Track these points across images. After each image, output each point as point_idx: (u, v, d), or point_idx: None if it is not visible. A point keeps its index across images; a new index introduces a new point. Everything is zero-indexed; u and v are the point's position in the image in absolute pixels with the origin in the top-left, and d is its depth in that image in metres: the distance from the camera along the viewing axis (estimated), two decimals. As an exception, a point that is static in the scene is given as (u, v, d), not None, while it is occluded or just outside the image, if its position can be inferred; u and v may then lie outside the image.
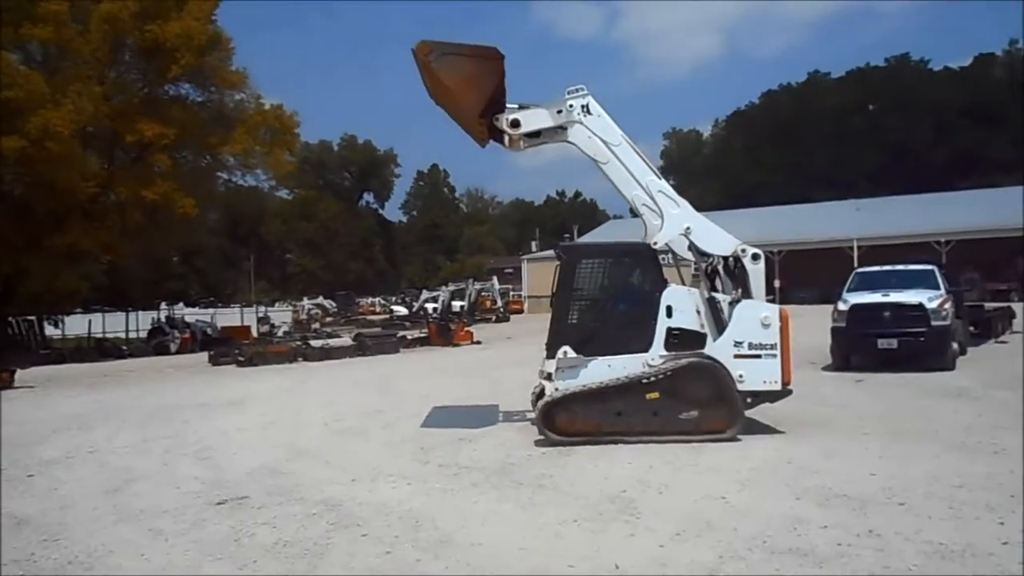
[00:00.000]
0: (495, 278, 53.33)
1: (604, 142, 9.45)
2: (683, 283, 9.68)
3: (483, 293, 50.05)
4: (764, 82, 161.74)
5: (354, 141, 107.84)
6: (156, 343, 34.40)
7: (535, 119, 9.55)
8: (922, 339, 14.39)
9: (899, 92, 79.38)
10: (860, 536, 5.56)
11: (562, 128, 9.55)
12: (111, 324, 42.47)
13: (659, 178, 9.60)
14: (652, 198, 9.39)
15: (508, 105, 9.56)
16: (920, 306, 14.54)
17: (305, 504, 6.98)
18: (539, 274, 49.92)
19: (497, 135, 9.68)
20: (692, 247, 9.41)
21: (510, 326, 42.97)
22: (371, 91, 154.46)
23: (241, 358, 23.83)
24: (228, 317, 45.95)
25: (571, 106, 9.44)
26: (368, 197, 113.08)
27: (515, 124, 9.48)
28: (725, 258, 9.58)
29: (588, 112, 9.46)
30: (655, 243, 9.30)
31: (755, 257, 9.35)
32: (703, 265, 9.59)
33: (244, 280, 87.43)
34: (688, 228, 9.36)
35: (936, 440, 8.60)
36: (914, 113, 77.57)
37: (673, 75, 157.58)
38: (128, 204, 31.75)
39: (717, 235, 9.51)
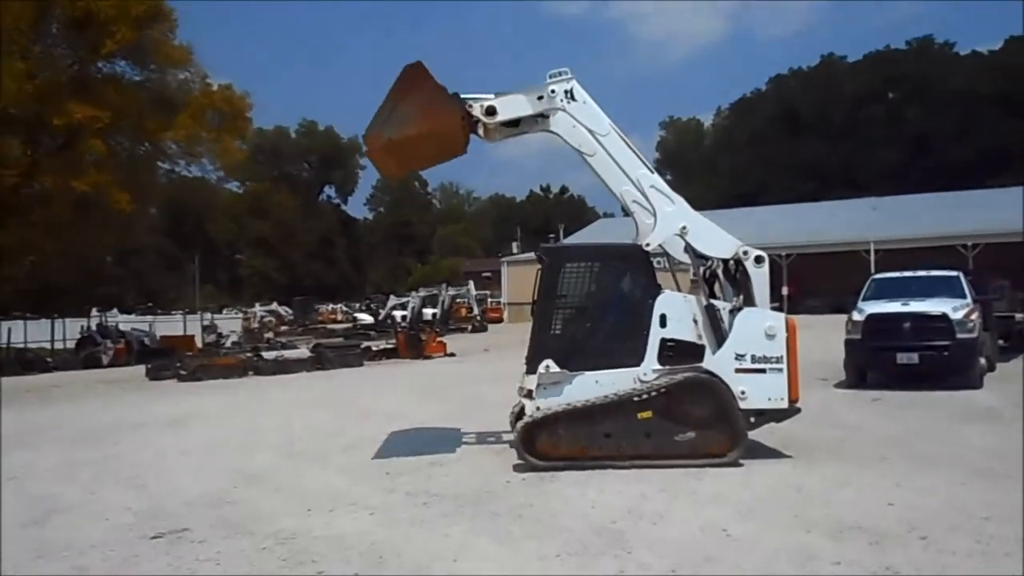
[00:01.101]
0: (471, 283, 53.27)
1: (590, 131, 9.51)
2: (679, 289, 9.71)
3: (458, 300, 49.99)
4: (772, 66, 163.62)
5: (314, 128, 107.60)
6: (86, 355, 33.98)
7: (513, 106, 9.59)
8: (946, 353, 14.52)
9: (922, 78, 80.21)
10: (876, 574, 5.59)
11: (543, 116, 9.61)
12: (34, 333, 41.87)
13: (651, 172, 9.66)
14: (644, 194, 9.43)
15: (481, 96, 9.62)
16: (944, 316, 14.68)
17: (254, 538, 6.93)
18: (520, 279, 49.90)
19: (471, 127, 9.70)
20: (688, 249, 9.46)
21: (488, 337, 42.95)
22: (334, 71, 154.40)
23: (183, 372, 23.65)
24: (169, 325, 45.45)
25: (553, 92, 9.48)
26: (329, 191, 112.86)
27: (491, 112, 9.53)
28: (725, 261, 9.64)
29: (572, 98, 9.50)
30: (647, 244, 9.35)
31: (758, 260, 9.40)
32: (701, 269, 9.63)
33: (188, 284, 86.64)
34: (684, 228, 9.41)
35: (961, 466, 8.67)
36: (938, 102, 78.38)
37: (671, 57, 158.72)
38: (55, 197, 31.41)
39: (716, 235, 9.56)
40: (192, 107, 33.85)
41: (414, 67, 9.43)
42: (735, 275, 9.62)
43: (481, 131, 9.74)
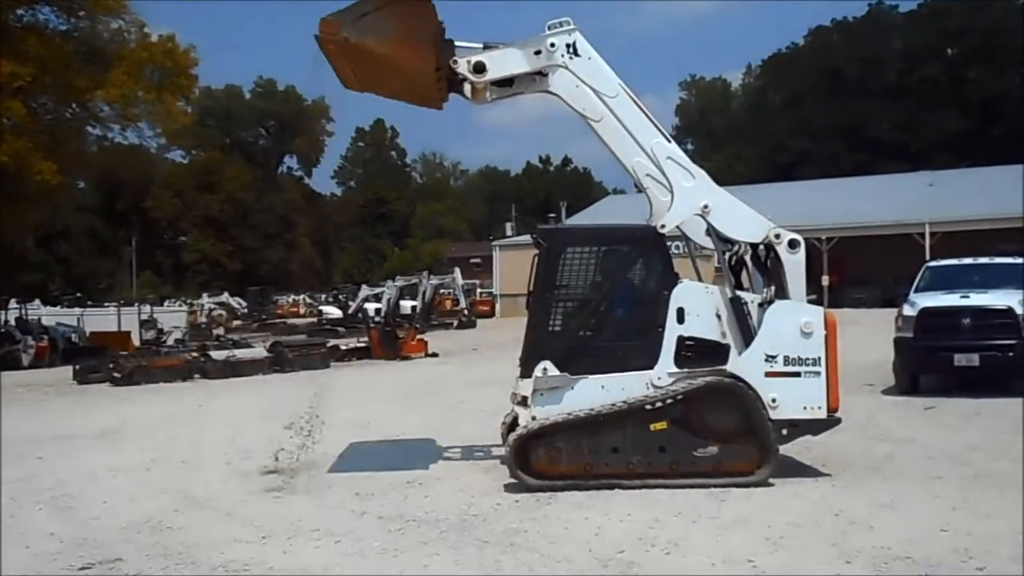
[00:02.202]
0: (457, 271, 53.25)
1: (596, 92, 9.50)
2: (700, 279, 9.73)
3: (441, 290, 49.99)
4: (812, 17, 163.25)
5: (272, 87, 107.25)
6: (3, 354, 33.90)
7: (506, 62, 9.57)
8: (1011, 354, 14.58)
9: (987, 33, 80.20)
10: (926, 611, 5.63)
11: (541, 75, 9.59)
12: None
13: (668, 141, 9.67)
14: (659, 167, 9.44)
15: (469, 45, 9.57)
16: (1009, 311, 14.74)
17: (198, 569, 6.94)
18: (515, 266, 49.83)
19: (456, 86, 9.68)
20: (711, 231, 9.47)
21: (476, 334, 42.98)
22: (295, 21, 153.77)
23: (117, 374, 23.60)
24: (101, 320, 45.40)
25: (553, 45, 9.45)
26: (290, 162, 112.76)
27: (480, 69, 9.48)
28: (755, 246, 9.65)
29: (575, 53, 9.49)
30: (662, 226, 9.36)
31: (793, 245, 9.42)
32: (726, 255, 9.64)
33: (123, 271, 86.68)
34: (706, 206, 9.42)
35: (1027, 486, 8.73)
36: (1006, 61, 78.40)
37: (694, 6, 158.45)
38: (-35, 168, 31.36)
39: (744, 215, 9.58)
40: (127, 62, 33.76)
41: None
42: (765, 262, 9.64)
43: (468, 91, 9.72)
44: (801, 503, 8.28)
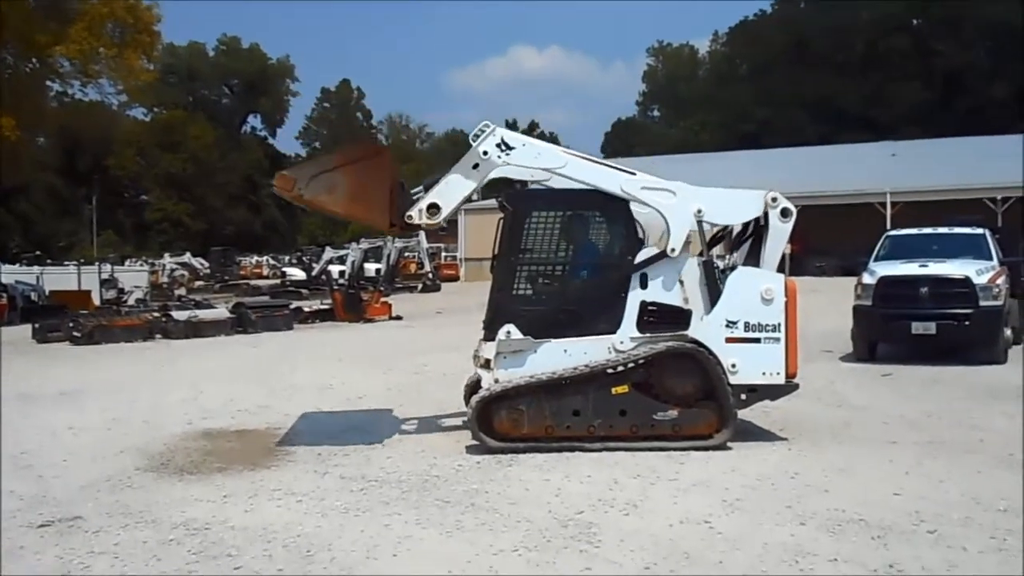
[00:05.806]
0: (422, 234, 52.99)
1: (544, 170, 9.61)
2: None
3: (406, 253, 49.89)
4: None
5: (236, 45, 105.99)
6: (-39, 312, 33.54)
7: (453, 192, 9.54)
8: (967, 323, 14.78)
9: (953, 5, 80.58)
10: (879, 572, 5.74)
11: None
12: None
13: (634, 174, 9.58)
14: (638, 201, 9.41)
15: (414, 192, 9.74)
16: (966, 281, 14.93)
17: (159, 528, 6.93)
18: (480, 230, 49.68)
19: (413, 226, 9.84)
20: (706, 228, 9.55)
21: (441, 297, 42.95)
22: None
23: (77, 334, 23.41)
24: (61, 278, 44.86)
25: (485, 153, 9.41)
26: (254, 121, 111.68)
27: (434, 209, 9.50)
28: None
29: (508, 148, 9.46)
30: (672, 250, 9.28)
31: (785, 213, 9.52)
32: (713, 229, 9.79)
33: (83, 230, 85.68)
34: (699, 211, 9.41)
35: (979, 452, 8.89)
36: (971, 33, 78.83)
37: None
38: (-78, 124, 30.73)
39: (737, 199, 9.66)
40: (88, 17, 33.09)
41: (378, 148, 9.54)
42: (751, 232, 9.77)
43: (425, 223, 9.74)
44: (758, 466, 8.39)
